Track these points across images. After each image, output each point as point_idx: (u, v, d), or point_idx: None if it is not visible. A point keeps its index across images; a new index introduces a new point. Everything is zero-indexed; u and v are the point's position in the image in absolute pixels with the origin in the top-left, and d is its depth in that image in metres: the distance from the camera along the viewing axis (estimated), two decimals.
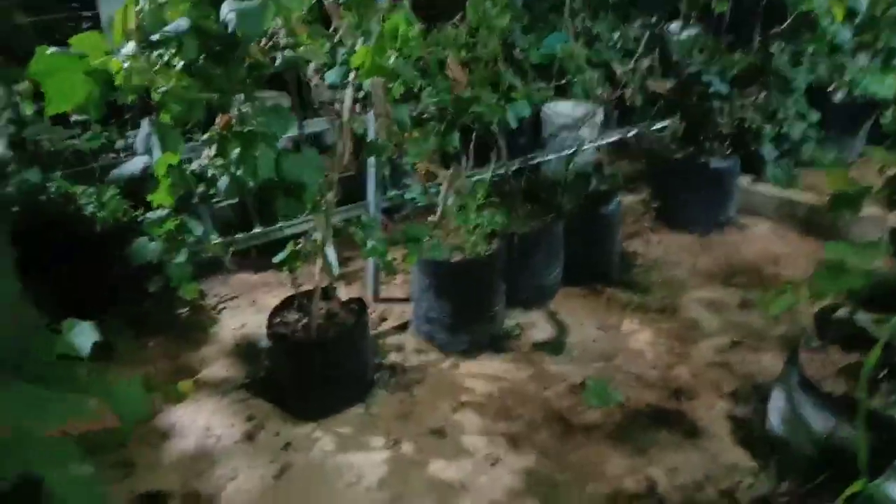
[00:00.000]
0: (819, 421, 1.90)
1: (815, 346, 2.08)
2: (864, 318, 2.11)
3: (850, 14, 4.53)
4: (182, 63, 1.86)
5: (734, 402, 2.49)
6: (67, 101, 1.77)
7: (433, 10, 3.72)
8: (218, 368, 2.75)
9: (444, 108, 2.84)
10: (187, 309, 3.11)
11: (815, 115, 4.11)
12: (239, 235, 2.74)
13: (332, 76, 2.57)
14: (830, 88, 4.43)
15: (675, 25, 5.49)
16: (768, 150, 3.99)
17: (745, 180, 4.04)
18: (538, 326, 3.01)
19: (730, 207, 3.91)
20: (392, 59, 1.94)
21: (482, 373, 2.71)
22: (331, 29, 2.29)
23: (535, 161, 3.70)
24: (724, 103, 3.88)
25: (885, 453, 1.45)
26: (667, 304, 3.17)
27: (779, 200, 4.00)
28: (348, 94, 2.21)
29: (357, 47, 2.08)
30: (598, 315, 3.10)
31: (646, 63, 4.43)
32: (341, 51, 2.38)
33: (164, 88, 1.86)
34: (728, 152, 3.80)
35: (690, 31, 5.59)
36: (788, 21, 4.33)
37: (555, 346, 2.86)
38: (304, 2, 2.02)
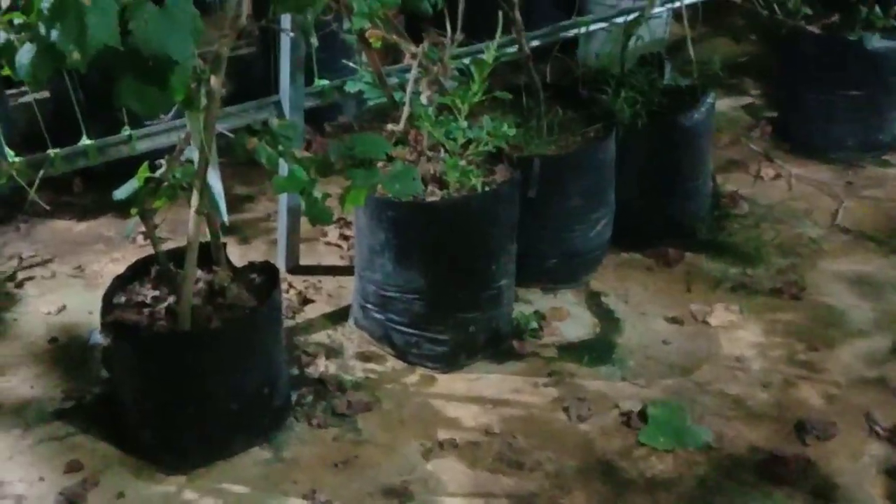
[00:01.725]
0: None
1: None
2: None
3: None
4: None
5: (894, 445, 2.57)
6: None
7: None
8: (17, 383, 2.76)
9: None
10: None
11: None
12: (53, 152, 2.70)
13: None
14: None
15: None
16: None
17: None
18: (571, 317, 3.09)
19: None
20: None
21: (475, 394, 2.77)
22: None
23: (571, 33, 3.73)
24: None
25: None
26: (787, 281, 3.25)
27: None
28: None
29: None
30: (671, 299, 3.18)
31: None
32: None
33: None
34: None
35: None
36: None
37: (597, 350, 2.93)
38: None
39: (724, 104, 4.30)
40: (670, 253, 3.37)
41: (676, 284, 3.24)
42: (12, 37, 2.04)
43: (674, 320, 3.07)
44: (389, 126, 2.85)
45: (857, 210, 3.65)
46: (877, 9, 3.83)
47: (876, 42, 3.80)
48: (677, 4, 3.85)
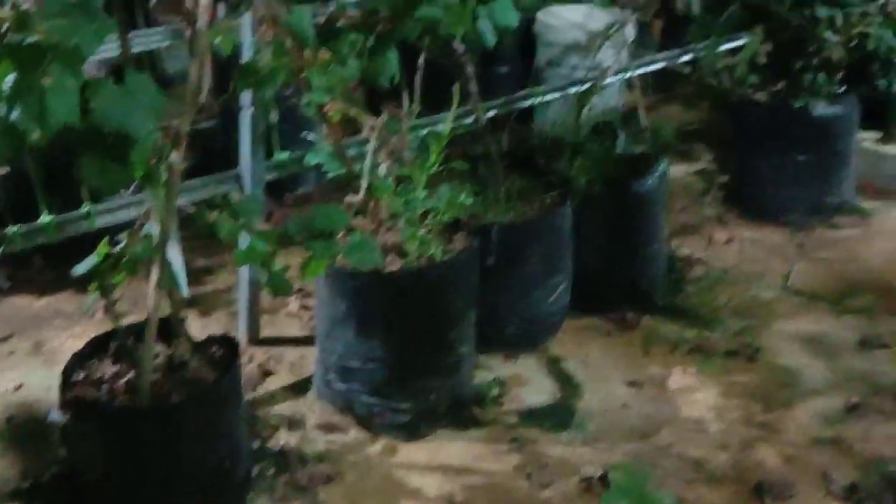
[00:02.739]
0: None
1: None
2: None
3: None
4: None
5: None
6: None
7: None
8: None
9: (374, 12, 2.88)
10: None
11: None
12: (13, 229, 2.70)
13: None
14: None
15: None
16: None
17: (868, 138, 4.22)
18: (531, 383, 3.09)
19: (844, 183, 4.10)
20: None
21: (437, 462, 2.76)
22: None
23: (526, 104, 3.79)
24: (834, 10, 4.02)
25: None
26: (743, 343, 3.29)
27: None
28: None
29: None
30: (629, 363, 3.20)
31: None
32: None
33: None
34: (840, 91, 3.97)
35: None
36: None
37: (557, 416, 2.94)
38: None
39: (677, 170, 4.36)
40: (628, 317, 3.40)
41: (635, 348, 3.27)
42: None
43: (633, 384, 3.08)
44: (348, 197, 2.88)
45: (809, 272, 3.71)
46: (821, 76, 3.93)
47: (821, 109, 3.91)
48: (629, 74, 3.93)
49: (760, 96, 4.01)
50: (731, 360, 3.21)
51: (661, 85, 4.89)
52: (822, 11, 4.03)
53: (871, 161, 4.23)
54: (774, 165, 4.06)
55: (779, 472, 2.71)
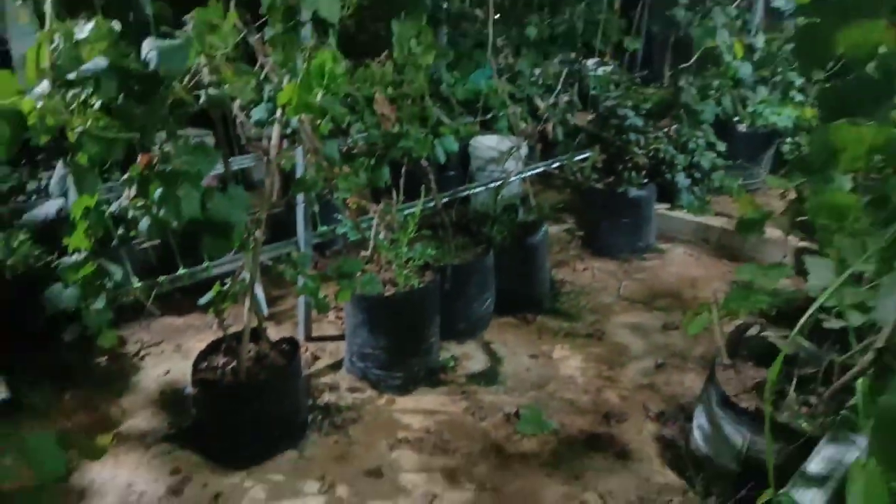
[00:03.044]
0: (738, 436, 2.01)
1: (730, 363, 2.20)
2: (773, 334, 2.27)
3: (750, 50, 4.95)
4: (100, 102, 1.81)
5: (662, 423, 2.59)
6: None
7: (357, 47, 3.79)
8: (140, 420, 2.61)
9: (374, 144, 2.88)
10: (106, 358, 2.96)
11: (722, 145, 4.42)
12: (162, 278, 2.63)
13: (258, 113, 2.57)
14: (735, 119, 4.78)
15: (592, 62, 5.80)
16: (681, 179, 4.24)
17: (661, 207, 4.27)
18: (473, 358, 3.04)
19: (649, 234, 4.11)
20: (319, 97, 1.95)
21: (419, 408, 2.70)
22: (257, 66, 2.30)
23: (464, 194, 3.76)
24: (639, 135, 4.10)
25: (794, 462, 1.55)
26: (595, 329, 3.28)
27: (693, 225, 4.25)
28: (275, 131, 2.21)
29: (283, 84, 2.09)
30: (530, 343, 3.16)
31: (565, 98, 4.66)
32: (268, 87, 2.39)
33: (80, 129, 1.80)
34: (645, 181, 4.01)
35: (606, 67, 5.92)
36: (695, 57, 4.67)
37: (489, 377, 2.89)
38: (228, 40, 2.03)
39: (554, 229, 4.39)
40: (529, 317, 3.36)
41: (533, 335, 3.23)
42: (137, 213, 2.02)
43: (532, 356, 3.05)
44: (363, 253, 2.87)
45: (631, 286, 3.71)
46: (633, 174, 4.00)
47: (634, 192, 3.95)
48: (523, 175, 3.95)
49: (599, 185, 4.04)
50: (589, 339, 3.20)
51: (543, 180, 4.93)
52: (633, 136, 4.11)
53: (664, 220, 4.29)
54: (609, 225, 4.06)
55: (618, 405, 2.71)
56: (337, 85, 2.10)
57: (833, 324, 1.79)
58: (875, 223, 1.27)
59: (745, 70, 4.73)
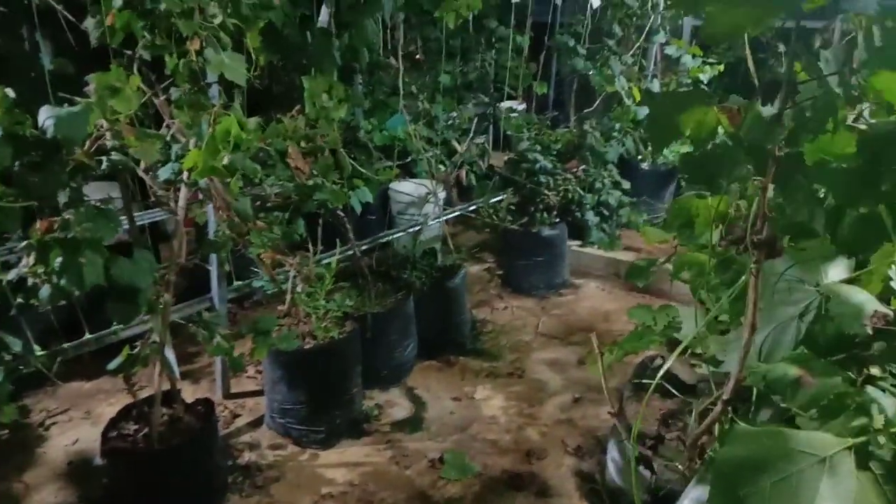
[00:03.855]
0: (646, 469, 2.10)
1: (632, 396, 2.31)
2: (676, 365, 2.40)
3: (648, 94, 5.29)
4: None
5: (580, 458, 2.67)
6: None
7: (271, 99, 3.80)
8: (47, 494, 2.46)
9: (288, 197, 2.88)
10: (6, 431, 2.77)
11: (626, 184, 4.67)
12: (67, 345, 2.51)
13: (165, 173, 2.52)
14: (639, 158, 5.08)
15: (506, 104, 6.03)
16: (591, 217, 4.45)
17: (574, 245, 4.46)
18: (397, 404, 3.04)
19: (563, 271, 4.26)
20: (225, 160, 1.96)
21: (343, 461, 2.67)
22: (163, 126, 2.27)
23: (385, 239, 3.81)
24: (549, 177, 4.28)
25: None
26: (515, 367, 3.35)
27: (605, 260, 4.45)
28: (182, 192, 2.19)
29: (190, 146, 2.08)
30: (453, 386, 3.19)
31: (480, 140, 4.82)
32: (175, 147, 2.37)
33: None
34: (556, 221, 4.18)
35: (519, 109, 6.17)
36: (597, 102, 4.95)
37: (413, 424, 2.89)
38: (130, 104, 2.01)
39: (474, 269, 4.49)
40: (451, 359, 3.40)
41: (456, 377, 3.27)
42: (35, 280, 1.94)
43: (455, 399, 3.08)
44: (280, 307, 2.84)
45: (549, 323, 3.83)
46: (545, 214, 4.16)
47: (546, 231, 4.12)
48: (442, 218, 4.02)
49: (514, 226, 4.18)
50: (509, 378, 3.25)
51: (463, 222, 5.03)
52: (543, 178, 4.29)
53: (577, 257, 4.46)
54: (525, 263, 4.17)
55: (538, 442, 2.77)
56: (247, 143, 2.11)
57: (704, 369, 1.92)
58: (723, 282, 1.41)
59: (644, 112, 5.05)
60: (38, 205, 1.89)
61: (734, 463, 0.79)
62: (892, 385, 1.04)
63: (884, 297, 1.08)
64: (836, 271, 1.11)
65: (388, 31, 4.61)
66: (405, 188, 4.30)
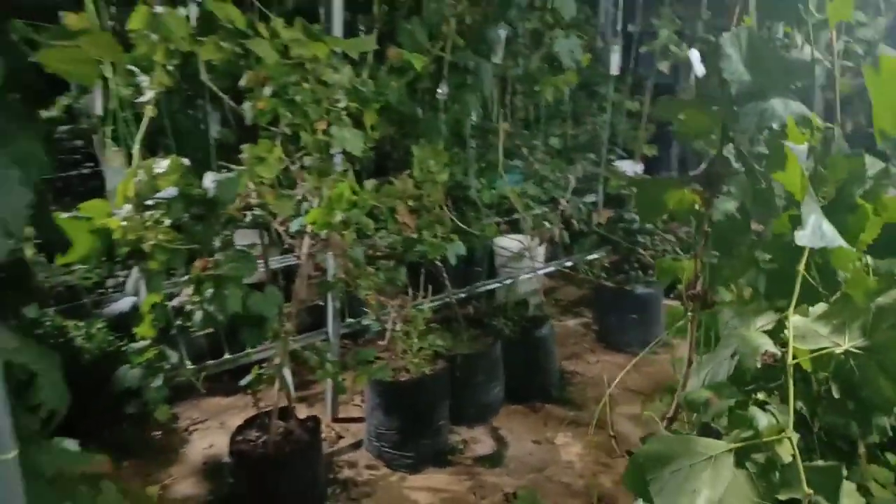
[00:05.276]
0: None
1: None
2: None
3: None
4: (169, 221, 2.31)
5: None
6: (75, 254, 2.18)
7: (390, 163, 4.32)
8: (185, 486, 2.95)
9: (394, 248, 3.30)
10: (160, 432, 3.36)
11: None
12: (210, 362, 3.05)
13: (295, 225, 3.05)
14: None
15: (621, 163, 6.20)
16: None
17: (670, 303, 4.49)
18: (481, 441, 3.27)
19: (658, 329, 4.28)
20: (339, 217, 2.40)
21: (427, 486, 2.94)
22: (297, 187, 2.79)
23: (483, 289, 4.09)
24: (647, 237, 4.41)
25: None
26: (599, 419, 3.45)
27: None
28: (305, 243, 2.66)
29: (315, 205, 2.57)
30: (535, 430, 3.37)
31: (591, 199, 5.04)
32: (304, 205, 2.88)
33: (153, 241, 2.29)
34: (652, 279, 4.27)
35: (637, 169, 6.31)
36: (703, 164, 5.02)
37: (493, 459, 3.11)
38: (272, 171, 2.53)
39: (570, 322, 4.65)
40: (536, 405, 3.58)
41: (539, 422, 3.44)
42: (193, 308, 2.46)
43: (536, 442, 3.26)
44: (380, 342, 3.23)
45: (638, 379, 3.88)
46: (640, 272, 4.28)
47: (640, 290, 4.22)
48: (538, 272, 4.27)
49: (609, 283, 4.33)
50: (591, 428, 3.35)
51: (565, 277, 5.20)
52: (640, 238, 4.43)
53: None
54: (619, 320, 4.27)
55: (611, 490, 2.89)
56: (363, 200, 2.56)
57: None
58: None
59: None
60: (197, 250, 2.44)
61: (647, 457, 1.03)
62: (773, 407, 1.22)
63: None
64: (763, 320, 1.31)
65: (500, 97, 5.04)
66: (506, 243, 4.61)
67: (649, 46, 5.06)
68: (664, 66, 5.04)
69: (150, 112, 2.33)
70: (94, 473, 1.53)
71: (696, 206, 1.51)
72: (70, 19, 1.48)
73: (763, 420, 1.22)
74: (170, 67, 2.31)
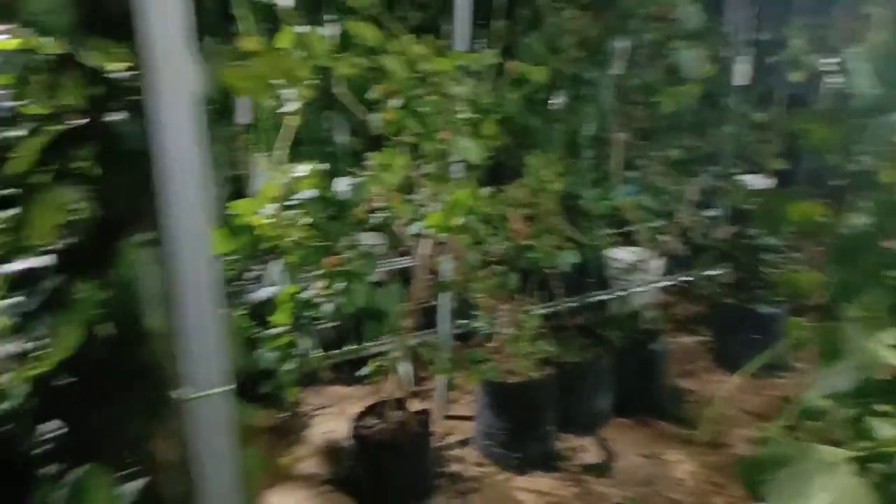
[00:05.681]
0: None
1: None
2: None
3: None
4: (308, 220, 2.56)
5: None
6: (225, 247, 2.47)
7: (506, 171, 4.41)
8: (307, 466, 3.19)
9: (507, 254, 3.40)
10: (287, 414, 3.66)
11: None
12: (334, 351, 3.30)
13: (415, 228, 3.23)
14: None
15: (752, 177, 5.89)
16: None
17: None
18: (588, 450, 3.27)
19: (784, 351, 4.07)
20: (458, 221, 2.54)
21: (533, 488, 2.99)
22: (417, 193, 2.97)
23: (598, 299, 4.07)
24: (772, 255, 4.19)
25: None
26: (714, 439, 3.35)
27: None
28: (423, 243, 2.82)
29: (434, 209, 2.73)
30: (645, 444, 3.32)
31: (715, 212, 4.87)
32: (422, 210, 3.05)
33: (292, 238, 2.55)
34: (777, 298, 4.04)
35: (766, 184, 5.98)
36: (847, 180, 4.70)
37: (600, 469, 3.11)
38: (396, 177, 2.72)
39: (688, 339, 4.48)
40: (647, 420, 3.51)
41: (650, 437, 3.38)
42: (323, 300, 2.68)
43: (645, 456, 3.21)
44: (490, 344, 3.32)
45: (758, 402, 3.70)
46: (765, 291, 4.06)
47: (765, 308, 3.97)
48: (652, 286, 4.19)
49: (730, 300, 4.15)
50: (705, 447, 3.27)
51: (682, 292, 5.04)
52: (764, 255, 4.21)
53: None
54: (741, 340, 4.05)
55: None
56: (478, 207, 2.69)
57: None
58: None
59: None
60: (330, 247, 2.67)
61: (766, 458, 1.04)
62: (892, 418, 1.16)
63: None
64: (887, 335, 1.26)
65: (619, 108, 5.00)
66: (619, 255, 4.56)
67: (780, 57, 4.82)
68: (796, 77, 4.77)
69: (294, 121, 2.59)
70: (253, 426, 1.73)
71: (823, 219, 1.48)
72: (247, 42, 1.72)
73: (886, 431, 1.20)
74: (313, 81, 2.56)
